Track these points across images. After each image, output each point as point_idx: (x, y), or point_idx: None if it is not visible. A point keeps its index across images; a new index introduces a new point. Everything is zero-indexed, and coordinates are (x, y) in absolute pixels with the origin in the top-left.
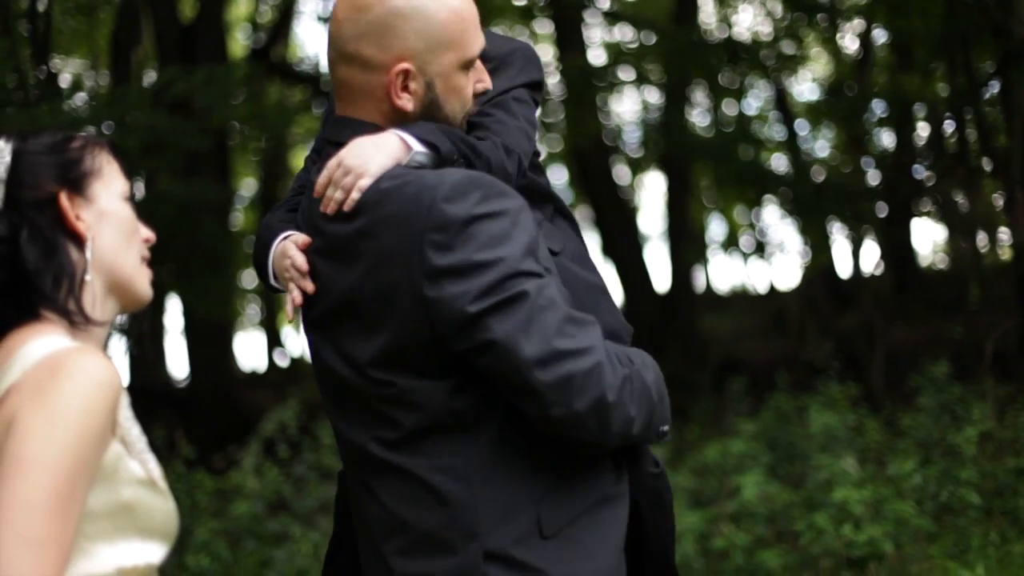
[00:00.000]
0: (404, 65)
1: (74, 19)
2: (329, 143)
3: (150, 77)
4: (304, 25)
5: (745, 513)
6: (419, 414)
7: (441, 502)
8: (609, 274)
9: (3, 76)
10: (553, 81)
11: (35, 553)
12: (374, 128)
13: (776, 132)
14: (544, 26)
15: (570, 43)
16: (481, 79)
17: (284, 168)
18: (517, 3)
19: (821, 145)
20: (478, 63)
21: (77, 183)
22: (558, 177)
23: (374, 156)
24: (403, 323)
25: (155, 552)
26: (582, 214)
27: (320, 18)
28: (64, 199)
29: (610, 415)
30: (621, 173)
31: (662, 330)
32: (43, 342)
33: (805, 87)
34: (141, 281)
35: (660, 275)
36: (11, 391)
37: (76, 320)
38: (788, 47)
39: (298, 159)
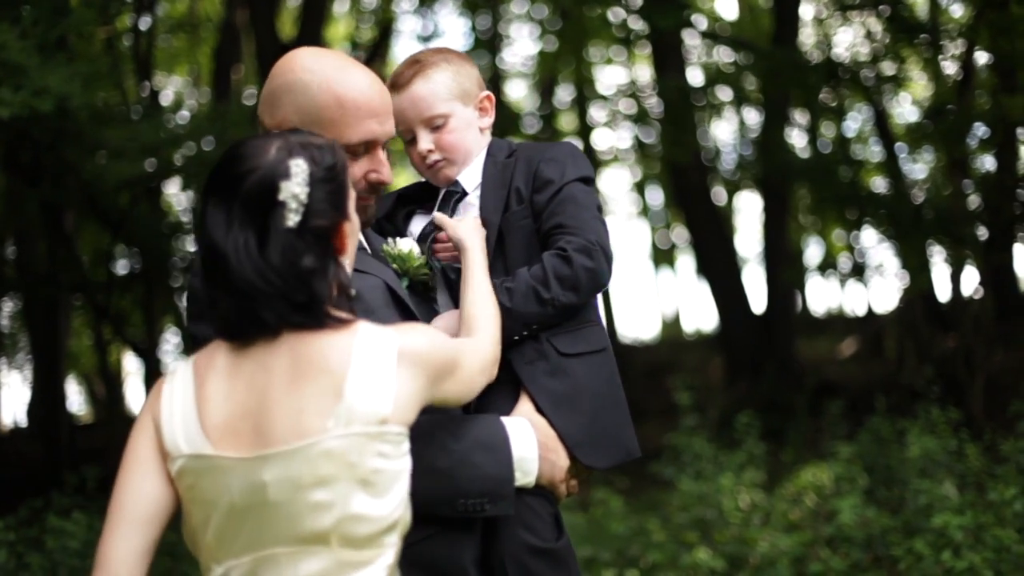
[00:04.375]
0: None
1: (176, 38)
2: None
3: (250, 94)
4: (403, 44)
5: (842, 537)
6: None
7: None
8: (703, 292)
9: (106, 93)
10: (650, 102)
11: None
12: None
13: (875, 154)
14: (642, 47)
15: (668, 63)
16: (376, 170)
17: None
18: (615, 22)
19: (921, 167)
20: (378, 155)
21: (346, 208)
22: (654, 198)
23: None
24: None
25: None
26: (678, 235)
27: (419, 37)
28: (345, 228)
29: None
30: (718, 194)
31: (759, 352)
32: (366, 332)
33: (905, 108)
34: None
35: (757, 297)
36: (400, 379)
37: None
38: (888, 68)
39: (396, 177)
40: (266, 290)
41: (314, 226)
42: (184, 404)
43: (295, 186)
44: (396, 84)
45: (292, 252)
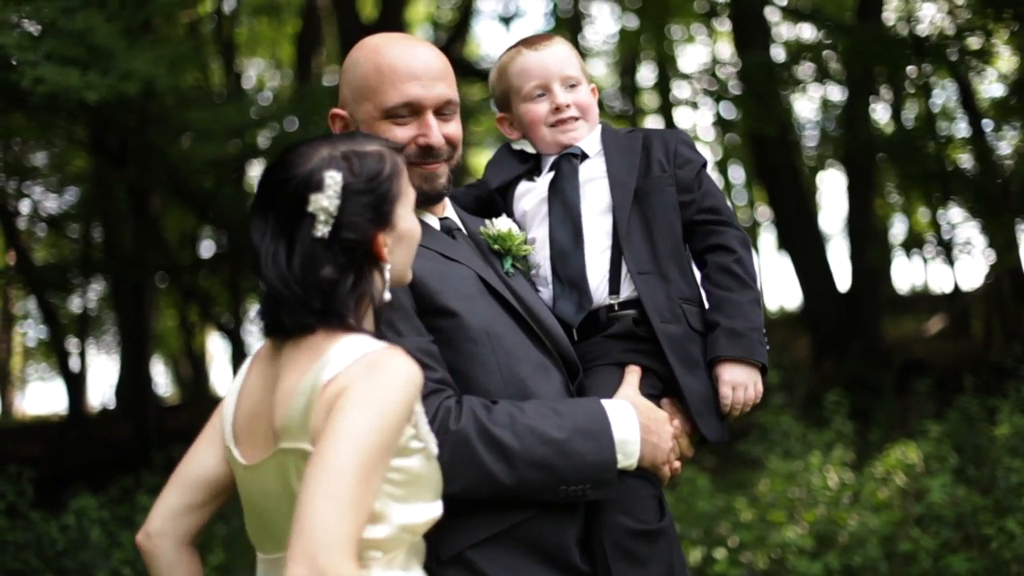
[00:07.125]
0: (337, 111)
1: (258, 20)
2: None
3: (332, 76)
4: (483, 24)
5: (932, 516)
6: None
7: None
8: (786, 270)
9: (191, 76)
10: (732, 81)
11: (340, 512)
12: None
13: (960, 129)
14: (723, 23)
15: (749, 40)
16: (424, 134)
17: (463, 166)
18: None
19: (1007, 143)
20: (427, 119)
21: (387, 218)
22: (736, 176)
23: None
24: None
25: (437, 508)
26: (761, 212)
27: (500, 17)
28: (380, 239)
29: None
30: (801, 171)
31: (845, 331)
32: (354, 340)
33: (991, 83)
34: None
35: (841, 275)
36: (335, 380)
37: (367, 329)
38: (974, 42)
39: (477, 157)
40: (288, 297)
41: (344, 238)
42: (231, 397)
43: (325, 199)
44: (534, 42)
45: (314, 262)
